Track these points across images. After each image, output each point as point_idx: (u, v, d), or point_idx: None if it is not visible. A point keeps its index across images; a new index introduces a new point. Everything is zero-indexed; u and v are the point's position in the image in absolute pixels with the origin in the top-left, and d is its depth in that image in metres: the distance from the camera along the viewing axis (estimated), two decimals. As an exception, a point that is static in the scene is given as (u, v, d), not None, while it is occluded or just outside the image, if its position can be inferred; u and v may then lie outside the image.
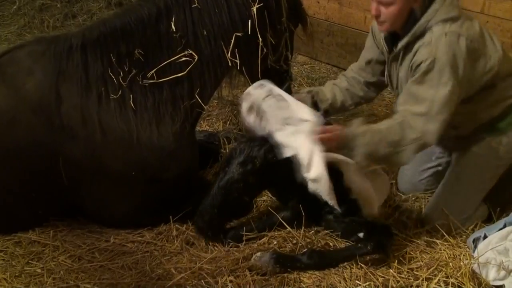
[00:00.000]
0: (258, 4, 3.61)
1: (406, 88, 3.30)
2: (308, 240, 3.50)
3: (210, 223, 3.47)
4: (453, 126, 3.39)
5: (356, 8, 5.66)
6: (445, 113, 3.21)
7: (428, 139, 3.23)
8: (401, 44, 3.36)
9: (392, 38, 3.47)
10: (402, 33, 3.35)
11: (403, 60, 3.39)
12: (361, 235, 3.43)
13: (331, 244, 3.49)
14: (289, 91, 3.98)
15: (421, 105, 3.20)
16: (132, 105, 3.45)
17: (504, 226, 3.41)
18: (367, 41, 3.76)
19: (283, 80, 4.06)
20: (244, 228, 3.53)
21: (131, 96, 3.46)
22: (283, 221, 3.53)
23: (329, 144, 3.25)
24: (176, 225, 3.63)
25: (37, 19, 7.04)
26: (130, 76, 3.47)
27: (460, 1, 4.65)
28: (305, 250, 3.38)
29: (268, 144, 3.40)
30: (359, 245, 3.35)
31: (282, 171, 3.38)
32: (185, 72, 3.54)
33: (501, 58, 3.35)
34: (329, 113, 3.79)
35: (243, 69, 3.70)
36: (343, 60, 5.95)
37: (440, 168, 3.93)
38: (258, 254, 3.30)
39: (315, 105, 3.70)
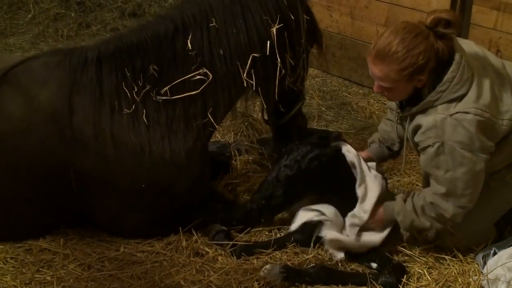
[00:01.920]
0: (278, 25, 3.60)
1: (425, 169, 3.32)
2: (319, 256, 3.49)
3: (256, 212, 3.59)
4: None
5: (368, 22, 5.68)
6: (473, 188, 3.23)
7: (462, 213, 3.30)
8: (408, 111, 3.29)
9: None
10: (410, 100, 3.28)
11: (410, 124, 3.31)
12: (374, 265, 3.45)
13: (340, 265, 3.48)
14: (300, 112, 4.13)
15: (442, 187, 3.23)
16: (145, 120, 3.46)
17: (514, 243, 3.41)
18: None
19: (297, 100, 4.07)
20: (257, 244, 3.57)
21: (144, 111, 3.46)
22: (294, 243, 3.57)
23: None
24: (186, 236, 3.63)
25: (52, 28, 7.09)
26: (144, 91, 3.47)
27: (473, 18, 4.72)
28: (314, 265, 3.38)
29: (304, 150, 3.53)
30: (370, 276, 3.34)
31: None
32: (198, 91, 3.52)
33: None
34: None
35: (259, 90, 3.67)
36: (355, 73, 5.96)
37: None
38: (268, 266, 3.30)
39: (390, 150, 3.71)
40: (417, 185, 4.22)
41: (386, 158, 3.81)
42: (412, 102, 3.24)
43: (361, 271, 3.44)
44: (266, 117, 4.23)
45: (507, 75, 3.35)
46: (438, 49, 3.06)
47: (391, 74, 3.09)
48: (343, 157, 3.55)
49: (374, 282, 3.29)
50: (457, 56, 3.12)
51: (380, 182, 3.55)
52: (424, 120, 3.18)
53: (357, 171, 3.53)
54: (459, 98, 3.11)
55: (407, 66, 3.05)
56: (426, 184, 3.45)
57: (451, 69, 3.11)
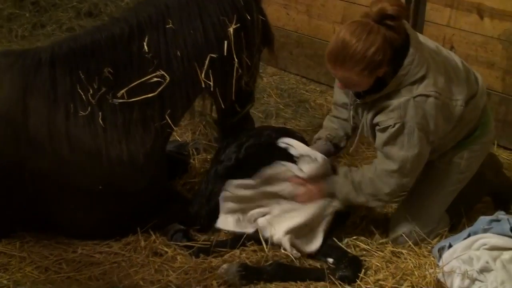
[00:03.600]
0: (235, 25, 3.61)
1: (379, 148, 3.38)
2: (277, 253, 3.51)
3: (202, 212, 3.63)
4: None
5: (325, 20, 5.71)
6: (417, 169, 3.41)
7: (404, 188, 3.50)
8: (369, 98, 3.34)
9: None
10: (370, 88, 3.33)
11: (370, 110, 3.37)
12: (330, 260, 3.48)
13: (297, 262, 3.50)
14: (248, 114, 4.20)
15: (393, 164, 3.31)
16: (101, 122, 3.43)
17: (469, 236, 3.45)
18: (335, 86, 3.77)
19: (248, 102, 4.10)
20: (215, 242, 3.56)
21: (100, 113, 3.43)
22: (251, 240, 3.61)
23: (311, 196, 3.57)
24: (144, 236, 3.61)
25: (6, 28, 6.97)
26: (99, 94, 3.44)
27: (427, 15, 4.79)
28: (271, 262, 3.40)
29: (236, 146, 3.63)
30: (327, 271, 3.37)
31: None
32: (156, 93, 3.50)
33: (465, 91, 3.38)
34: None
35: (217, 90, 3.67)
36: (312, 71, 5.99)
37: None
38: (225, 266, 3.31)
39: (336, 147, 3.77)
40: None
41: (332, 155, 3.85)
42: (373, 89, 3.30)
43: (318, 266, 3.47)
44: (216, 117, 4.23)
45: (453, 58, 3.48)
46: (391, 39, 3.12)
47: (353, 75, 3.15)
48: (280, 147, 3.64)
49: (331, 277, 3.32)
50: (412, 40, 3.21)
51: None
52: (388, 103, 3.25)
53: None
54: (420, 80, 3.20)
55: (367, 65, 3.10)
56: None
57: (409, 52, 3.18)
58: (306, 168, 3.55)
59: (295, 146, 3.62)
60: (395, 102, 3.22)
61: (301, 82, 6.04)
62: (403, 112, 3.20)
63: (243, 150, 3.61)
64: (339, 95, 3.78)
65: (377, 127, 3.33)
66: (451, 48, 4.76)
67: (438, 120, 3.25)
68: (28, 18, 7.15)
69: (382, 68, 3.16)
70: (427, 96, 3.18)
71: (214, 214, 3.67)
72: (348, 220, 3.82)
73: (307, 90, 5.85)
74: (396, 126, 3.22)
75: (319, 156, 3.59)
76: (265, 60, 5.80)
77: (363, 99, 3.38)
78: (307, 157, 3.58)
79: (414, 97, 3.19)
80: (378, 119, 3.31)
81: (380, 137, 3.32)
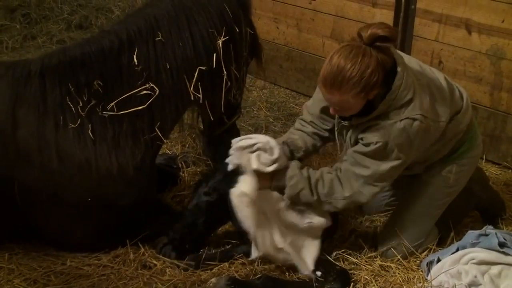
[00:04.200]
0: (224, 37, 3.63)
1: (351, 153, 3.37)
2: (265, 266, 3.52)
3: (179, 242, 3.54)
4: (406, 168, 3.45)
5: (315, 34, 5.74)
6: (385, 182, 3.40)
7: (360, 199, 3.41)
8: (356, 121, 3.34)
9: None
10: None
11: (354, 131, 3.39)
12: (318, 273, 3.46)
13: (287, 274, 3.51)
14: (234, 124, 4.19)
15: (363, 170, 3.32)
16: (91, 135, 3.43)
17: (457, 250, 3.47)
18: (317, 92, 3.67)
19: (235, 113, 4.13)
20: (204, 255, 3.55)
21: (90, 126, 3.43)
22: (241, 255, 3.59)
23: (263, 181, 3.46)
24: (133, 249, 3.61)
25: (-4, 40, 7.01)
26: (89, 106, 3.44)
27: (415, 30, 4.82)
28: (260, 275, 3.40)
29: (221, 176, 3.52)
30: (316, 284, 3.38)
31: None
32: (145, 106, 3.50)
33: (449, 110, 3.40)
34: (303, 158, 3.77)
35: (206, 102, 3.69)
36: (302, 85, 6.02)
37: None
38: (213, 280, 3.31)
39: (291, 154, 3.68)
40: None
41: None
42: (360, 112, 3.29)
43: (307, 280, 3.46)
44: (202, 129, 4.24)
45: (436, 80, 3.48)
46: (383, 61, 3.14)
47: (349, 98, 3.15)
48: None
49: None
50: (399, 64, 3.22)
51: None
52: (374, 123, 3.26)
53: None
54: (407, 103, 3.21)
55: (364, 87, 3.11)
56: None
57: (397, 77, 3.20)
58: (265, 159, 3.45)
59: (253, 137, 3.54)
60: (381, 124, 3.24)
61: (291, 96, 6.07)
62: (387, 133, 3.22)
63: (224, 186, 3.52)
64: (316, 106, 3.70)
65: (360, 141, 3.34)
66: (440, 63, 4.80)
67: (419, 142, 3.27)
68: (18, 30, 7.18)
69: (375, 90, 3.18)
70: (413, 119, 3.20)
71: (196, 244, 3.62)
72: (336, 234, 3.83)
73: (296, 104, 5.88)
74: (378, 144, 3.23)
75: (276, 147, 3.49)
76: (255, 73, 5.84)
77: (350, 121, 3.39)
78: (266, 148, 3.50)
79: (401, 120, 3.20)
80: (362, 135, 3.32)
81: (360, 147, 3.33)
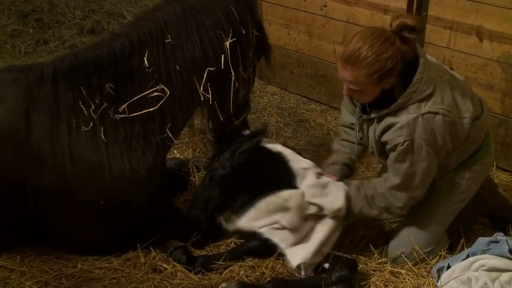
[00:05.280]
0: (231, 39, 3.66)
1: (390, 165, 3.43)
2: (274, 270, 3.53)
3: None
4: None
5: (326, 41, 5.75)
6: (426, 182, 3.47)
7: (412, 203, 3.57)
8: (375, 114, 3.38)
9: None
10: (377, 103, 3.37)
11: (376, 126, 3.42)
12: (326, 265, 3.48)
13: (296, 274, 3.51)
14: (245, 121, 4.26)
15: (396, 179, 3.41)
16: (103, 137, 3.46)
17: (467, 257, 3.47)
18: (342, 107, 3.85)
19: (243, 113, 4.17)
20: (214, 256, 3.57)
21: (102, 128, 3.46)
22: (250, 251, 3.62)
23: None
24: (144, 252, 3.62)
25: (9, 44, 7.03)
26: (101, 109, 3.46)
27: (427, 37, 4.83)
28: (269, 279, 3.41)
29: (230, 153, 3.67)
30: (324, 275, 3.39)
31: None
32: (156, 107, 3.53)
33: (472, 110, 3.41)
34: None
35: (215, 103, 3.71)
36: (313, 91, 6.03)
37: None
38: (224, 284, 3.31)
39: (351, 170, 3.84)
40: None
41: (349, 177, 3.88)
42: (379, 105, 3.34)
43: (315, 274, 3.47)
44: (211, 128, 4.26)
45: (459, 78, 3.54)
46: (404, 53, 3.18)
47: (361, 78, 3.19)
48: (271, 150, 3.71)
49: (328, 280, 3.36)
50: (421, 58, 3.26)
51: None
52: (396, 119, 3.29)
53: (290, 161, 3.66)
54: (428, 97, 3.24)
55: (376, 70, 3.15)
56: None
57: (419, 70, 3.24)
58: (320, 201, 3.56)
59: (291, 158, 3.67)
60: (403, 119, 3.26)
61: (302, 102, 6.08)
62: (412, 130, 3.24)
63: (236, 157, 3.65)
64: (346, 115, 3.82)
65: (387, 146, 3.36)
66: (451, 70, 4.79)
67: (446, 136, 3.29)
68: (31, 35, 7.21)
69: (390, 79, 3.21)
70: (435, 113, 3.23)
71: (212, 219, 3.70)
72: (346, 239, 3.83)
73: (307, 110, 5.89)
74: (405, 144, 3.26)
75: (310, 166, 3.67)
76: (266, 79, 5.85)
77: (369, 114, 3.42)
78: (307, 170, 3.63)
79: (423, 115, 3.23)
80: (386, 137, 3.34)
81: (391, 155, 3.37)
